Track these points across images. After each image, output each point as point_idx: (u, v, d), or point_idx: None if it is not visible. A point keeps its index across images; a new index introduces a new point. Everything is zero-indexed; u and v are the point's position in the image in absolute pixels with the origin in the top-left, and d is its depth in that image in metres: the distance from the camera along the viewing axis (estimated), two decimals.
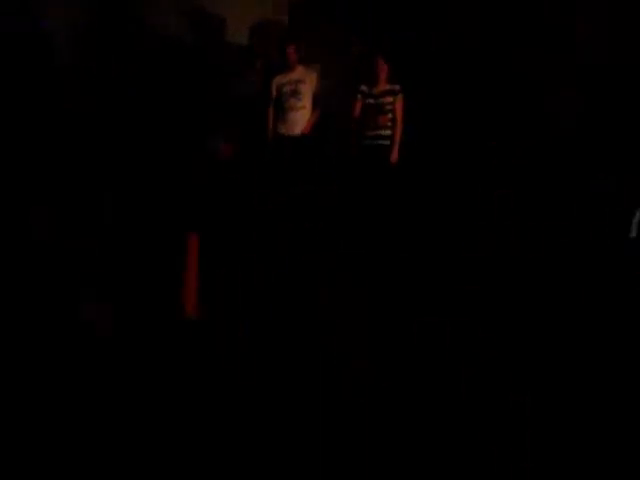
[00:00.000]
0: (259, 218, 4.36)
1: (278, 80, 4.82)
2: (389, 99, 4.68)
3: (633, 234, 3.75)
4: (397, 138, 4.67)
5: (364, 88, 4.73)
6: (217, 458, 2.31)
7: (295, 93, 4.77)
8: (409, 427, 2.49)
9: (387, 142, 4.68)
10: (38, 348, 2.90)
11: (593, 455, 2.33)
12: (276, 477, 2.25)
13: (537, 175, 4.29)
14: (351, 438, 2.42)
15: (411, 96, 4.76)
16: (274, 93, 4.82)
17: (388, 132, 4.68)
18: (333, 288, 3.62)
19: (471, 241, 3.97)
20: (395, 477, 2.27)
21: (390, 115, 4.68)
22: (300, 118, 4.80)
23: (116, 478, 2.22)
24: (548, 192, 4.21)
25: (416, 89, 4.80)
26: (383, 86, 4.70)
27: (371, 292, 3.58)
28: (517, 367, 2.83)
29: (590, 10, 4.43)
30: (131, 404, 2.56)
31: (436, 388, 2.72)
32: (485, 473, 2.28)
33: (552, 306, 3.32)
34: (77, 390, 2.62)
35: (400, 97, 4.67)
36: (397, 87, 4.69)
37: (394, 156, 4.66)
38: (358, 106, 4.74)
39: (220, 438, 2.40)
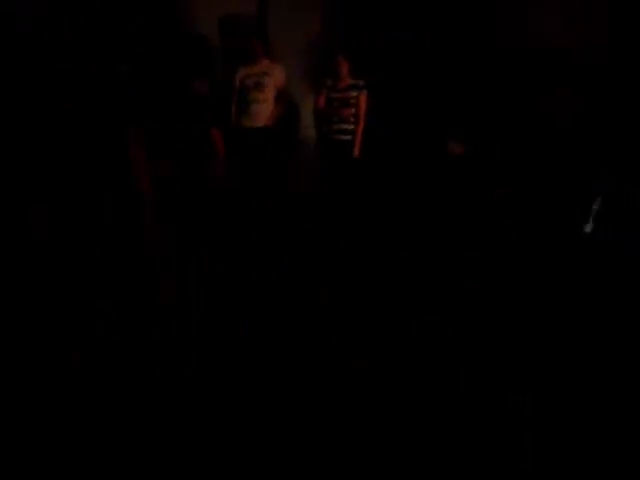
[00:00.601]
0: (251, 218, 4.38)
1: (242, 72, 4.78)
2: (353, 94, 4.72)
3: (588, 229, 3.75)
4: (359, 133, 4.73)
5: (329, 82, 4.76)
6: (216, 458, 2.32)
7: (258, 85, 4.73)
8: (409, 427, 2.49)
9: (349, 137, 4.74)
10: (38, 348, 2.90)
11: (593, 455, 2.34)
12: (276, 477, 2.25)
13: (537, 175, 4.30)
14: (351, 438, 2.42)
15: (407, 95, 4.80)
16: (237, 84, 4.78)
17: (351, 127, 4.74)
18: (333, 288, 3.62)
19: (471, 241, 3.97)
20: (395, 477, 2.27)
21: (354, 110, 4.72)
22: (262, 110, 4.77)
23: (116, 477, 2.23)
24: (548, 192, 4.21)
25: (412, 88, 4.82)
26: (347, 81, 4.74)
27: (371, 292, 3.58)
28: (517, 367, 2.83)
29: (587, 10, 4.43)
30: (130, 403, 2.57)
31: (436, 388, 2.72)
32: (485, 473, 2.28)
33: (552, 306, 3.32)
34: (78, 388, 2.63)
35: (364, 92, 4.72)
36: (361, 82, 4.73)
37: (356, 151, 4.72)
38: (322, 99, 4.77)
39: (219, 438, 2.41)
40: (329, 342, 3.07)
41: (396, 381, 2.78)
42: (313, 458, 2.31)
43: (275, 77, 4.76)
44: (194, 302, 3.39)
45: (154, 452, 2.31)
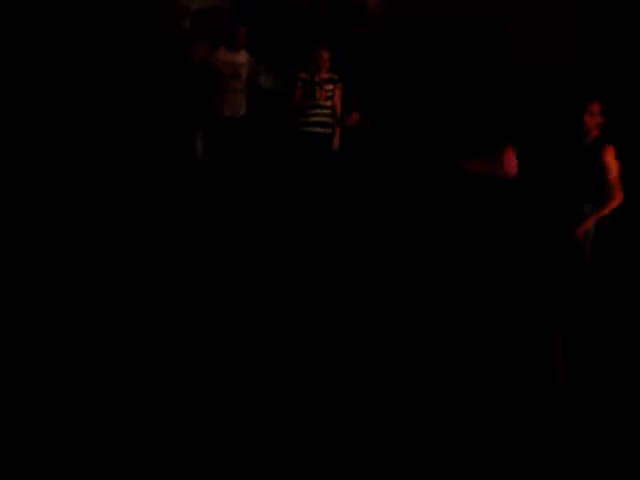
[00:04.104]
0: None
1: (221, 57, 4.83)
2: (329, 87, 4.74)
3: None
4: (337, 126, 4.79)
5: (304, 75, 4.78)
6: (216, 457, 2.32)
7: (237, 75, 4.82)
8: (409, 427, 2.50)
9: (326, 130, 4.77)
10: (38, 348, 2.91)
11: (593, 455, 2.34)
12: (276, 477, 2.25)
13: (536, 173, 4.29)
14: (351, 438, 2.42)
15: (406, 91, 4.83)
16: (215, 70, 4.82)
17: (328, 120, 4.77)
18: (333, 289, 3.62)
19: (471, 241, 3.97)
20: (395, 477, 2.27)
21: (329, 103, 4.75)
22: (241, 100, 4.89)
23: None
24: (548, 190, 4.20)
25: (411, 87, 4.84)
26: (324, 74, 4.74)
27: (372, 292, 3.59)
28: (517, 366, 2.84)
29: (587, 10, 4.44)
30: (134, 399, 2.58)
31: (436, 388, 2.73)
32: (485, 473, 2.29)
33: (552, 306, 3.32)
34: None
35: (339, 86, 4.76)
36: (336, 76, 4.76)
37: (335, 143, 4.77)
38: (298, 93, 4.79)
39: (219, 437, 2.41)
40: (329, 342, 3.07)
41: (396, 381, 2.78)
42: (313, 458, 2.31)
43: (248, 68, 4.87)
44: (194, 302, 3.40)
45: (154, 452, 2.31)
